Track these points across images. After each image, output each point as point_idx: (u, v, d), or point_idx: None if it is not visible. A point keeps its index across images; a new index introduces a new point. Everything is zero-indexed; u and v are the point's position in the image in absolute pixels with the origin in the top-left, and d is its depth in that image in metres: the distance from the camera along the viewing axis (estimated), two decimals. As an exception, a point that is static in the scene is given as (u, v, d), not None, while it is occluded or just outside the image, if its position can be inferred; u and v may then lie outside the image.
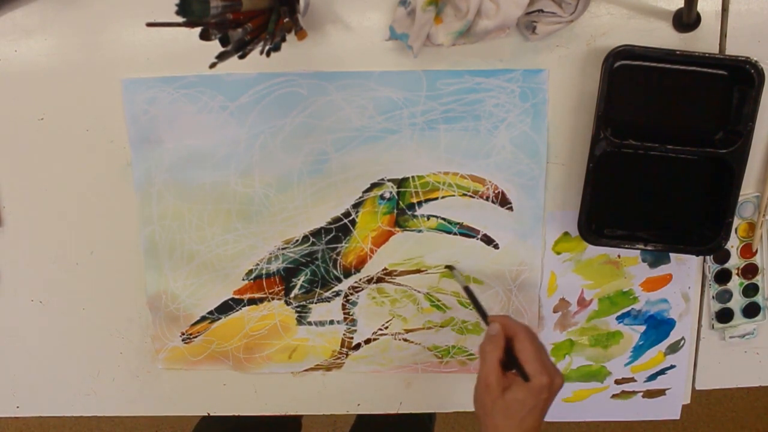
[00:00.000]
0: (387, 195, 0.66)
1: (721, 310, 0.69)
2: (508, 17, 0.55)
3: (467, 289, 0.64)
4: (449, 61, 0.62)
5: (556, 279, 0.68)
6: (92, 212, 0.67)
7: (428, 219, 0.66)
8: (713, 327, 0.70)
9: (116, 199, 0.67)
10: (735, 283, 0.68)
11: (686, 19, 0.59)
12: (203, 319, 0.70)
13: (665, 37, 0.61)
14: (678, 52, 0.58)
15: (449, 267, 0.67)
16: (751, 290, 0.69)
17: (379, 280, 0.68)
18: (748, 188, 0.65)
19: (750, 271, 0.68)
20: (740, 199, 0.63)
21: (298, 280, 0.69)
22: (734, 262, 0.68)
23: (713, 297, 0.69)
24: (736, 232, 0.67)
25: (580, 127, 0.63)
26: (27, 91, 0.64)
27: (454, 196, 0.65)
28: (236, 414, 0.75)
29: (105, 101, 0.64)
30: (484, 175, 0.65)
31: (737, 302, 0.69)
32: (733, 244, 0.67)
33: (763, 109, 0.59)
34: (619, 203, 0.64)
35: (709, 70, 0.60)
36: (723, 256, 0.68)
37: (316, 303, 0.69)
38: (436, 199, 0.66)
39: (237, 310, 0.70)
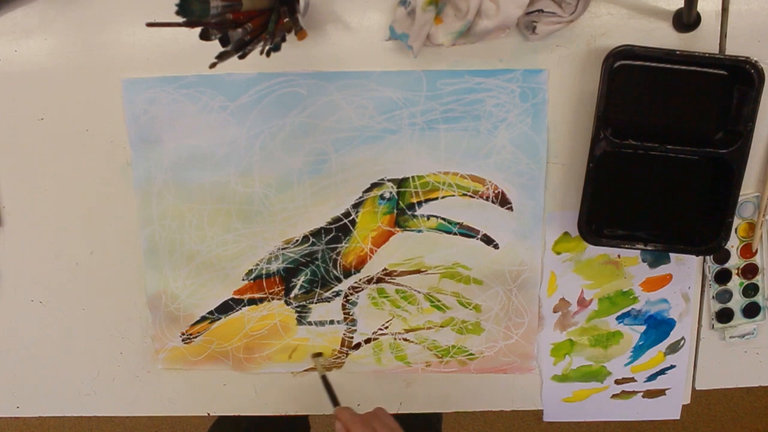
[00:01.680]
0: (387, 195, 0.66)
1: (721, 310, 0.69)
2: (508, 17, 0.55)
3: (324, 379, 0.68)
4: (449, 61, 0.62)
5: (556, 279, 0.68)
6: (92, 212, 0.68)
7: (428, 219, 0.66)
8: (713, 327, 0.70)
9: (116, 199, 0.67)
10: (735, 283, 0.68)
11: (686, 19, 0.59)
12: (203, 319, 0.70)
13: (665, 37, 0.61)
14: (678, 52, 0.58)
15: (317, 354, 0.71)
16: (751, 290, 0.69)
17: (379, 280, 0.68)
18: (748, 188, 0.65)
19: (750, 271, 0.68)
20: (740, 199, 0.63)
21: (298, 280, 0.69)
22: (734, 262, 0.68)
23: (713, 297, 0.69)
24: (736, 232, 0.67)
25: (580, 127, 0.63)
26: (27, 91, 0.64)
27: (454, 196, 0.65)
28: (236, 414, 0.75)
29: (105, 101, 0.64)
30: (484, 175, 0.65)
31: (737, 302, 0.69)
32: (733, 244, 0.67)
33: (763, 109, 0.59)
34: (619, 203, 0.64)
35: (709, 70, 0.60)
36: (723, 256, 0.68)
37: (316, 303, 0.69)
38: (436, 199, 0.66)
39: (237, 310, 0.70)
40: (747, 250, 0.67)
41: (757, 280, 0.68)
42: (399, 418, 0.70)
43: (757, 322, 0.70)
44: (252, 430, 0.88)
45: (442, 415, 1.08)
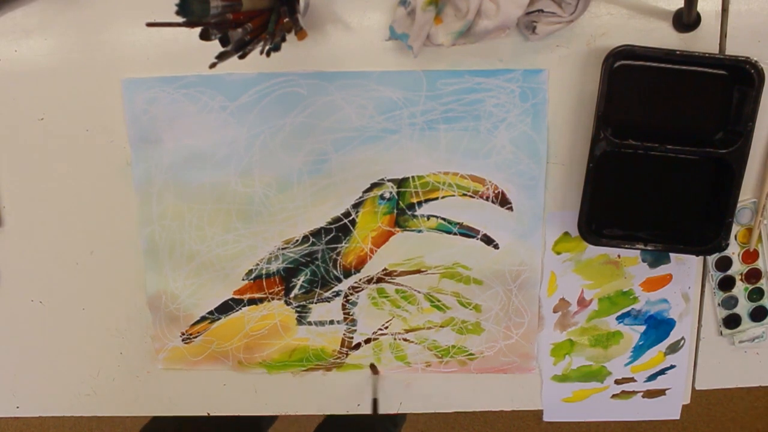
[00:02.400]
0: (387, 195, 0.66)
1: (728, 317, 0.69)
2: (508, 17, 0.55)
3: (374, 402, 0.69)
4: (449, 61, 0.62)
5: (556, 279, 0.68)
6: (92, 212, 0.68)
7: (428, 219, 0.66)
8: (722, 333, 0.70)
9: (116, 199, 0.67)
10: (740, 289, 0.68)
11: (686, 19, 0.59)
12: (203, 319, 0.70)
13: (665, 37, 0.61)
14: (678, 52, 0.58)
15: (373, 367, 0.71)
16: (756, 294, 0.69)
17: (379, 280, 0.68)
18: (746, 194, 0.65)
19: (754, 275, 0.68)
20: (738, 205, 0.63)
21: (298, 280, 0.69)
22: (737, 268, 0.68)
23: (719, 304, 0.69)
24: (735, 238, 0.67)
25: (580, 127, 0.63)
26: (27, 91, 0.64)
27: (454, 196, 0.65)
28: (236, 414, 0.75)
29: (105, 101, 0.64)
30: (484, 175, 0.65)
31: (744, 307, 0.69)
32: (734, 250, 0.67)
33: (763, 109, 0.59)
34: (619, 203, 0.64)
35: (709, 70, 0.60)
36: (725, 263, 0.68)
37: (316, 303, 0.69)
38: (436, 199, 0.66)
39: (237, 310, 0.70)
40: (748, 256, 0.68)
41: (761, 284, 0.68)
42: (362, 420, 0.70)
43: (765, 325, 0.70)
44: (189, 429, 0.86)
45: (403, 419, 1.09)
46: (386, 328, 0.70)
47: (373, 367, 0.71)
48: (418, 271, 0.68)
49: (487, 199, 0.65)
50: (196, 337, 0.71)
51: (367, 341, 0.71)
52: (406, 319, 0.70)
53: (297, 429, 1.39)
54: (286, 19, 0.51)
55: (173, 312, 0.70)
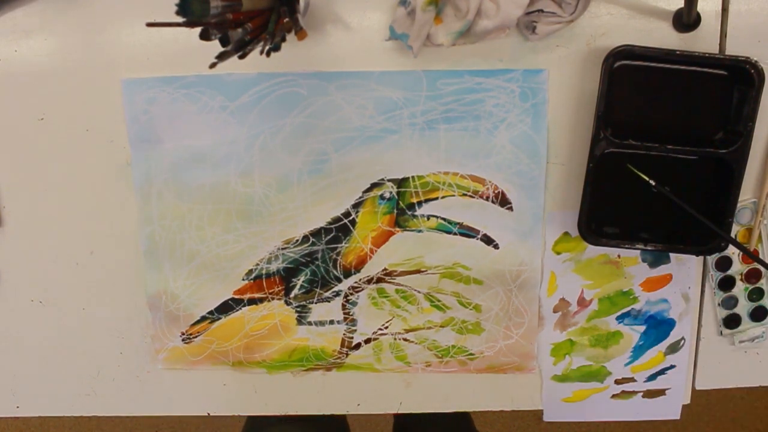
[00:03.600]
0: (387, 195, 0.66)
1: (728, 317, 0.69)
2: (508, 17, 0.55)
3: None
4: (449, 61, 0.62)
5: (556, 279, 0.68)
6: (92, 212, 0.68)
7: (428, 219, 0.66)
8: (722, 333, 0.70)
9: (116, 199, 0.67)
10: (740, 289, 0.68)
11: (686, 19, 0.59)
12: (203, 319, 0.70)
13: (665, 37, 0.61)
14: (678, 52, 0.58)
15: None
16: (756, 294, 0.69)
17: (379, 280, 0.68)
18: (746, 194, 0.65)
19: (753, 275, 0.68)
20: (738, 205, 0.63)
21: (298, 280, 0.69)
22: (737, 268, 0.68)
23: (719, 304, 0.69)
24: (735, 238, 0.67)
25: (580, 127, 0.63)
26: (27, 91, 0.64)
27: (454, 196, 0.65)
28: (236, 414, 0.75)
29: (105, 101, 0.64)
30: (484, 175, 0.65)
31: (744, 307, 0.69)
32: (734, 250, 0.67)
33: (763, 109, 0.59)
34: (620, 203, 0.64)
35: (709, 70, 0.60)
36: (725, 263, 0.68)
37: (316, 303, 0.69)
38: (436, 199, 0.66)
39: (237, 310, 0.70)
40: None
41: (761, 284, 0.68)
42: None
43: (765, 325, 0.69)
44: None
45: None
46: (386, 328, 0.70)
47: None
48: (418, 271, 0.68)
49: (487, 199, 0.65)
50: (196, 337, 0.71)
51: (367, 341, 0.71)
52: (406, 319, 0.70)
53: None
54: (286, 19, 0.51)
55: (173, 312, 0.70)
